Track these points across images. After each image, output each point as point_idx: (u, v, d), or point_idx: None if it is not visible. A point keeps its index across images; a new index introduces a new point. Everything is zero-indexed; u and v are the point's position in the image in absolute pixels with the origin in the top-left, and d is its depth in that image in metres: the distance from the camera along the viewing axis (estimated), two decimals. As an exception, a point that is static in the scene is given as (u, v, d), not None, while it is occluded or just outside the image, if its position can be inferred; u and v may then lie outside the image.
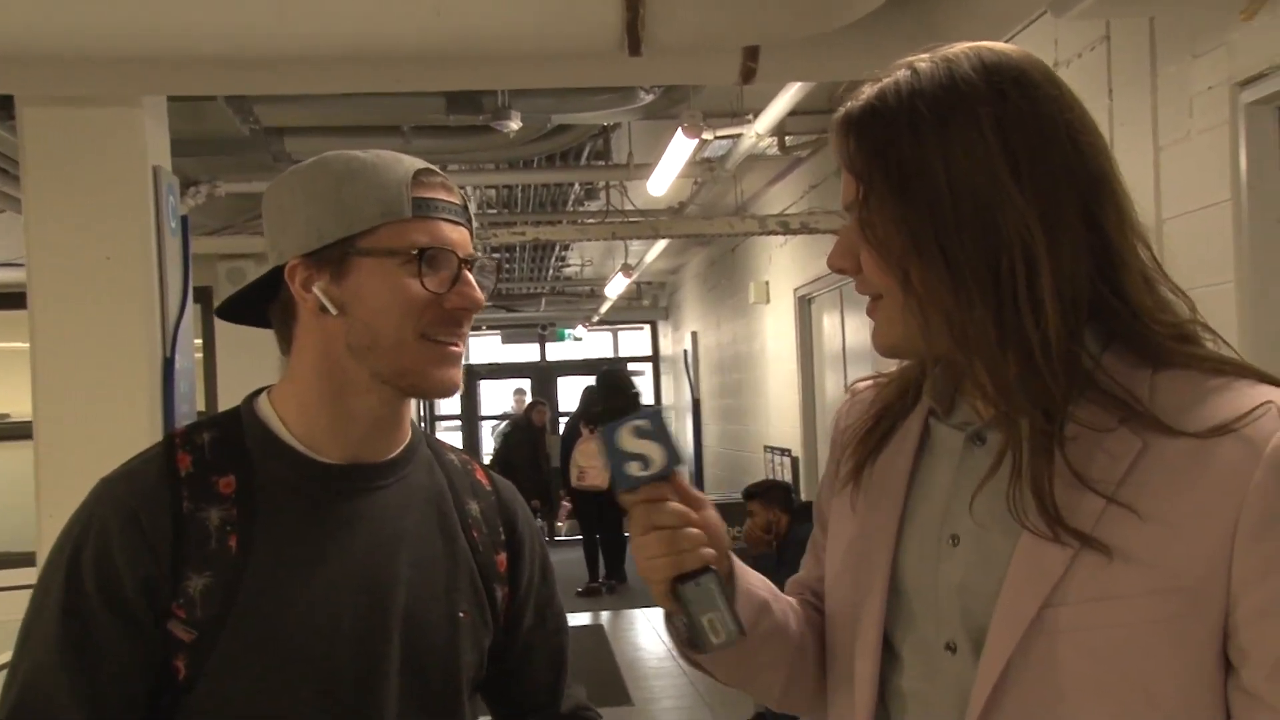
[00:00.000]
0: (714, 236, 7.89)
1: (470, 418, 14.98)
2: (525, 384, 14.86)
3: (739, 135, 5.63)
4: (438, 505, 1.42)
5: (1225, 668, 1.01)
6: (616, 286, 10.82)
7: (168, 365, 3.62)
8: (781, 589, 1.33)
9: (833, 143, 1.12)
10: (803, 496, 6.93)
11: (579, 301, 13.79)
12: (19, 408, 5.57)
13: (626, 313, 14.48)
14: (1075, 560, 1.01)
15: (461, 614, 1.38)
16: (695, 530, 1.12)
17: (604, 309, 12.94)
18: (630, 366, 15.59)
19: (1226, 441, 0.99)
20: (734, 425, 10.47)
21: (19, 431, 4.35)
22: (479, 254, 1.37)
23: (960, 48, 1.08)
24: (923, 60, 1.08)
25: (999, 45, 1.09)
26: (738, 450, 10.27)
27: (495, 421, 14.54)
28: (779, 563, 5.29)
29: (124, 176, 3.59)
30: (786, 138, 6.23)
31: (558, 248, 9.96)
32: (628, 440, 1.12)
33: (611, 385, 1.18)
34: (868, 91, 1.09)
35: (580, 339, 15.14)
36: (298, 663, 1.28)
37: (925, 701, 1.10)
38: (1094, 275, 1.05)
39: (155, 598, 1.26)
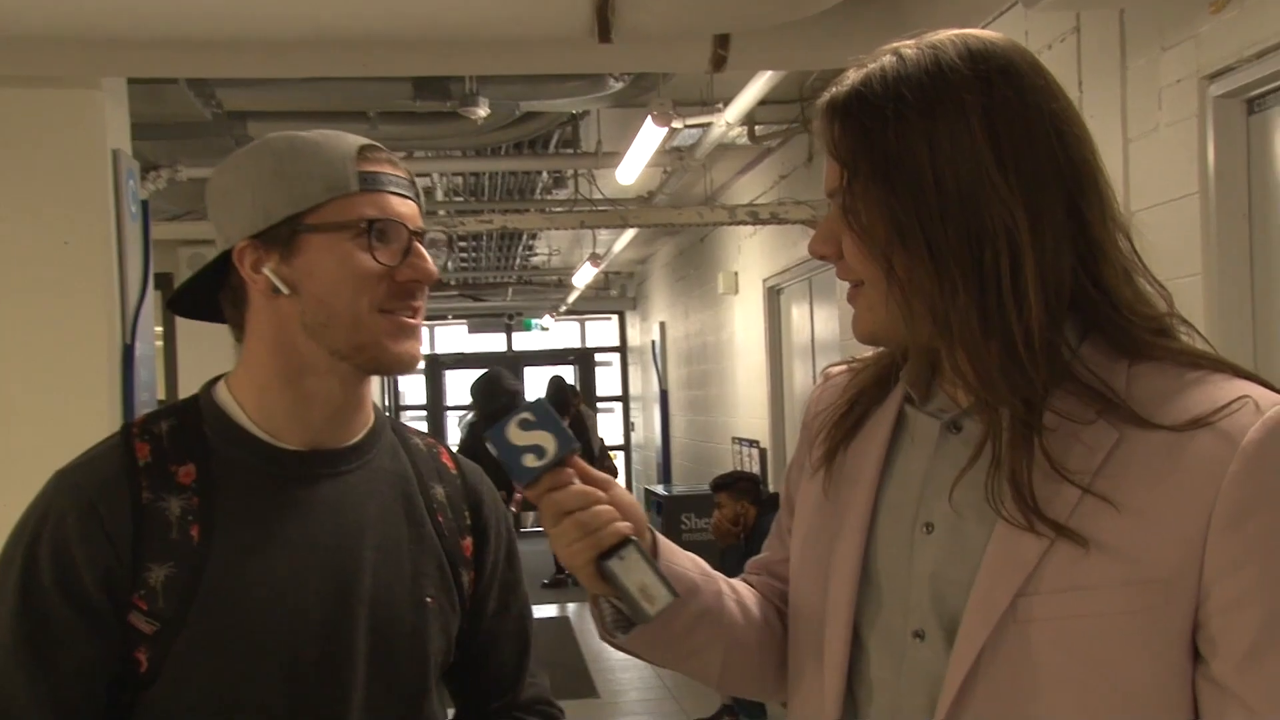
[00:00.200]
0: (683, 226, 7.89)
1: (436, 408, 14.92)
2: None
3: (709, 124, 5.63)
4: (403, 490, 1.41)
5: (1195, 658, 1.02)
6: (584, 276, 10.80)
7: (128, 352, 3.59)
8: None
9: (817, 128, 1.12)
10: (771, 488, 6.94)
11: (546, 291, 13.76)
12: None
13: (594, 303, 14.46)
14: (1050, 550, 1.02)
15: (429, 599, 1.37)
16: (605, 506, 1.13)
17: (571, 299, 12.91)
18: (602, 356, 15.59)
19: (1202, 434, 1.00)
20: (702, 416, 10.47)
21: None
22: (428, 228, 1.36)
23: (946, 35, 1.08)
24: (908, 46, 1.08)
25: (985, 33, 1.09)
26: (705, 442, 10.28)
27: (461, 412, 14.50)
28: (747, 554, 5.28)
29: (83, 160, 3.54)
30: (756, 127, 6.22)
31: (525, 237, 9.94)
32: (516, 435, 1.14)
33: (489, 388, 1.19)
34: (853, 77, 1.09)
35: (547, 329, 15.09)
36: (262, 652, 1.27)
37: (893, 689, 1.11)
38: (1075, 266, 1.05)
39: (115, 590, 1.24)
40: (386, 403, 14.76)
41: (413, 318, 1.34)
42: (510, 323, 14.99)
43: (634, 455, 14.97)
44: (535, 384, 13.32)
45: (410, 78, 4.73)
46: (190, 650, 1.25)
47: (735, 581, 1.30)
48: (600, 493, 1.14)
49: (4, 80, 3.49)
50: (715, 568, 1.32)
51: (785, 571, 1.29)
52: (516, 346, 15.49)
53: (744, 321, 8.51)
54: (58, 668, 1.24)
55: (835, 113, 1.09)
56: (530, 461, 1.13)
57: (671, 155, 6.50)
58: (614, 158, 6.33)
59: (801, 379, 7.22)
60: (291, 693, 1.28)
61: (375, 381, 1.45)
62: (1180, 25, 3.05)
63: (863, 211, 1.06)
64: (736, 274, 8.55)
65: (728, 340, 9.14)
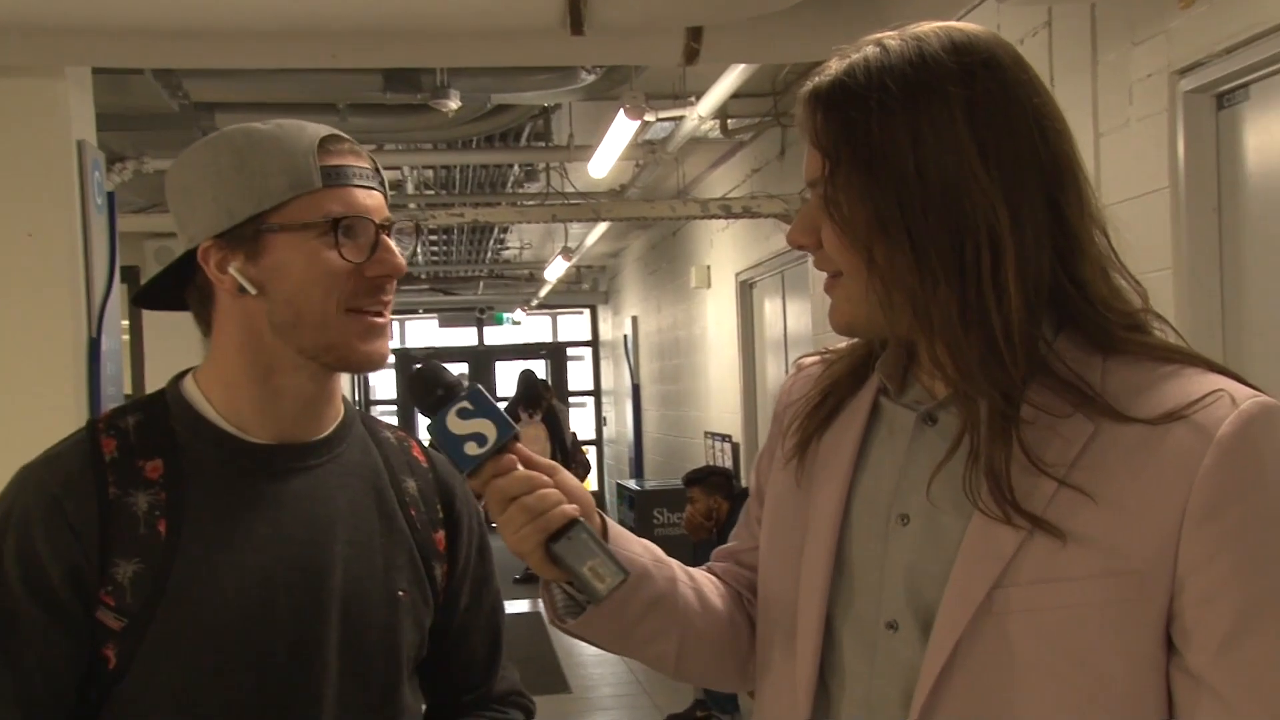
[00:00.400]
0: (655, 220, 7.88)
1: (407, 403, 14.87)
2: (464, 368, 14.78)
3: (681, 117, 5.63)
4: (373, 483, 1.40)
5: (1170, 649, 1.02)
6: (556, 270, 10.78)
7: (93, 346, 3.55)
8: None
9: (799, 117, 1.11)
10: (743, 483, 6.95)
11: (518, 285, 13.74)
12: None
13: (566, 297, 14.44)
14: (1026, 542, 1.02)
15: (401, 593, 1.37)
16: (550, 490, 1.13)
17: (543, 293, 12.89)
18: (574, 351, 15.58)
19: (1177, 427, 1.01)
20: (674, 411, 10.49)
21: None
22: (395, 218, 1.35)
23: (929, 27, 1.08)
24: (892, 38, 1.08)
25: (967, 26, 1.09)
26: (678, 436, 10.29)
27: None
28: (718, 548, 5.29)
29: (46, 151, 3.50)
30: (729, 121, 6.23)
31: (496, 230, 9.91)
32: (456, 424, 1.14)
33: (425, 381, 1.18)
34: (836, 66, 1.09)
35: (519, 323, 15.08)
36: (232, 647, 1.26)
37: (865, 679, 1.11)
38: (1053, 260, 1.05)
39: (82, 586, 1.24)
40: (357, 398, 14.70)
41: (381, 315, 1.33)
42: (481, 317, 14.95)
43: (606, 450, 14.98)
44: (507, 378, 13.32)
45: (380, 70, 4.71)
46: (159, 646, 1.24)
47: (694, 570, 1.30)
48: (545, 477, 1.14)
49: (-35, 70, 3.46)
50: (689, 563, 1.32)
51: (752, 560, 1.29)
52: (488, 341, 15.46)
53: (716, 316, 8.52)
54: (24, 664, 1.23)
55: (818, 102, 1.08)
56: (472, 449, 1.13)
57: (644, 149, 6.50)
58: (586, 151, 6.32)
59: (774, 373, 7.24)
60: (262, 687, 1.27)
61: (346, 376, 1.44)
62: (1151, 20, 3.07)
63: (844, 202, 1.06)
64: (709, 268, 8.55)
65: (700, 334, 9.15)
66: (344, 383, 1.38)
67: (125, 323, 5.17)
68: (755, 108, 6.08)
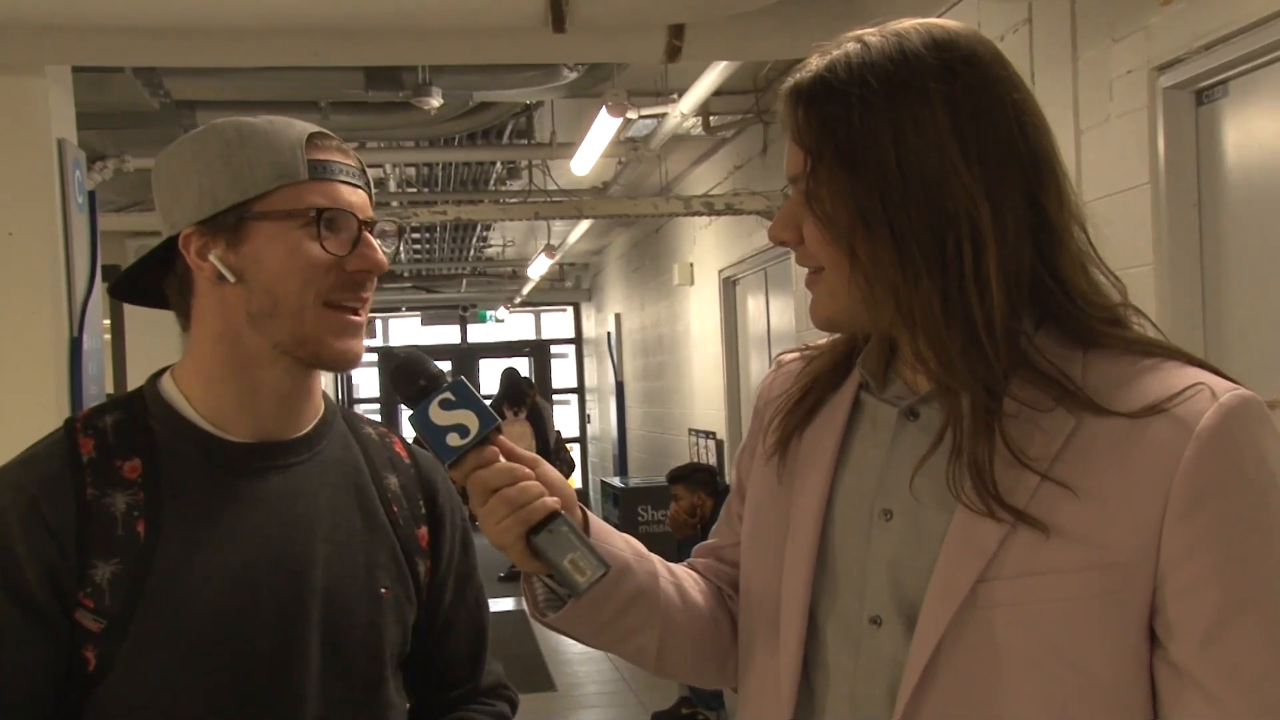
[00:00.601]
0: (638, 217, 7.88)
1: (391, 401, 14.84)
2: (448, 366, 14.73)
3: (663, 115, 5.63)
4: (355, 480, 1.40)
5: (1153, 642, 1.03)
6: (539, 268, 10.77)
7: (75, 346, 3.54)
8: None
9: (780, 113, 1.11)
10: (727, 479, 6.96)
11: (501, 283, 13.71)
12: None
13: (549, 294, 14.43)
14: (1010, 536, 1.02)
15: (383, 590, 1.37)
16: (532, 482, 1.13)
17: (526, 290, 12.87)
18: (558, 348, 15.56)
19: (1158, 421, 1.01)
20: (658, 408, 10.49)
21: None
22: (378, 218, 1.35)
23: (909, 23, 1.09)
24: (872, 34, 1.08)
25: (948, 23, 1.09)
26: (662, 433, 10.29)
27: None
28: (702, 544, 5.30)
29: (27, 149, 3.49)
30: (711, 118, 6.24)
31: (479, 228, 9.89)
32: (439, 415, 1.14)
33: (408, 371, 1.18)
34: (816, 62, 1.09)
35: (502, 321, 15.05)
36: (213, 647, 1.26)
37: (849, 675, 1.11)
38: (1033, 255, 1.06)
39: (60, 588, 1.23)
40: (340, 395, 14.66)
41: (357, 313, 1.32)
42: (464, 314, 14.93)
43: (590, 447, 14.97)
44: (490, 376, 13.30)
45: (362, 67, 4.71)
46: (139, 647, 1.23)
47: (675, 566, 1.30)
48: (527, 469, 1.14)
49: (-57, 68, 3.44)
50: (673, 560, 1.32)
51: (733, 556, 1.29)
52: (471, 338, 15.44)
53: (700, 313, 8.52)
54: (3, 664, 1.22)
55: (799, 98, 1.08)
56: (454, 441, 1.13)
57: (626, 146, 6.50)
58: (568, 148, 6.31)
59: (758, 370, 7.24)
60: (243, 687, 1.27)
61: (328, 373, 1.44)
62: (1130, 17, 3.08)
63: (826, 197, 1.06)
64: (692, 265, 8.55)
65: (683, 331, 9.15)
66: (327, 381, 1.38)
67: (107, 322, 5.15)
68: (737, 105, 6.09)
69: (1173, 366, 1.05)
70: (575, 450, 14.16)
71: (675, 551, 5.45)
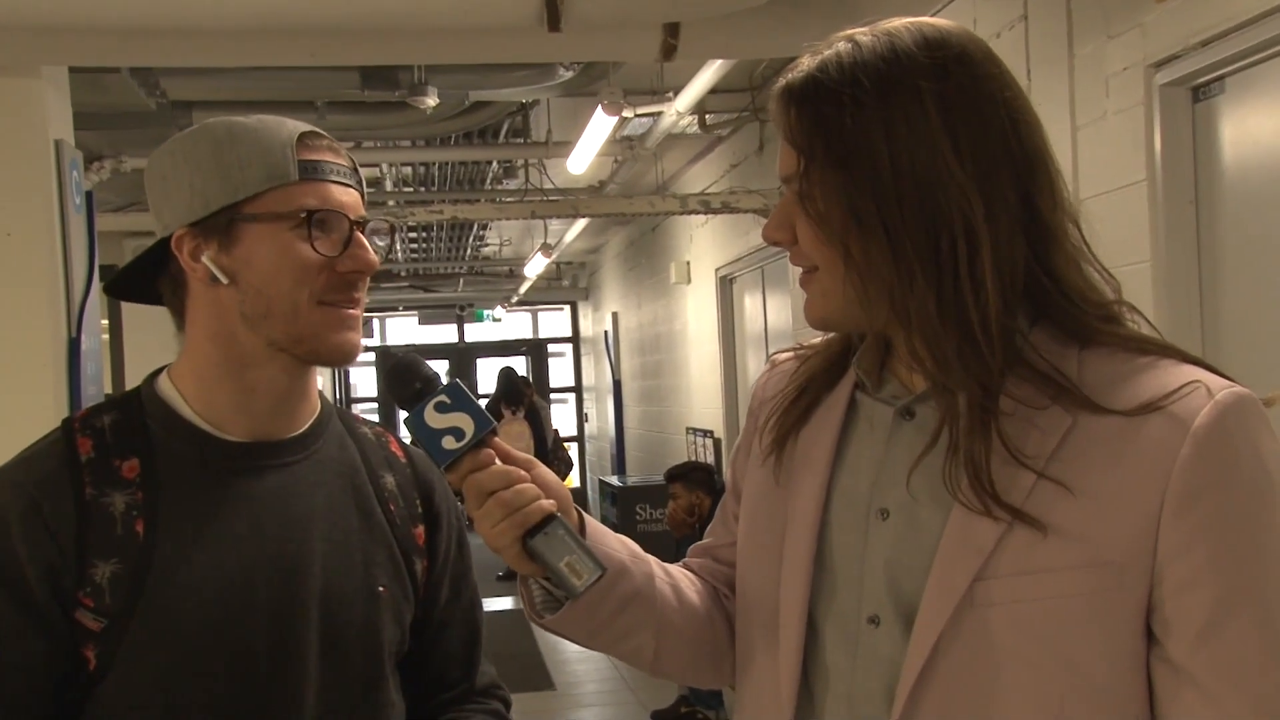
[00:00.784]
0: (634, 216, 7.90)
1: (389, 401, 14.80)
2: (445, 365, 14.75)
3: (659, 113, 5.62)
4: (351, 480, 1.40)
5: (1149, 640, 1.03)
6: (536, 266, 10.76)
7: (73, 346, 3.55)
8: None
9: (772, 114, 1.12)
10: (725, 478, 6.95)
11: (498, 282, 13.71)
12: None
13: (546, 293, 14.42)
14: (1006, 534, 1.02)
15: (381, 589, 1.37)
16: (528, 485, 1.13)
17: (523, 289, 12.87)
18: (555, 347, 15.56)
19: (1154, 419, 1.01)
20: (655, 407, 10.49)
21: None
22: (370, 216, 1.35)
23: (900, 22, 1.09)
24: (864, 34, 1.08)
25: (939, 21, 1.10)
26: (659, 432, 10.29)
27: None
28: (701, 543, 5.30)
29: (24, 150, 3.50)
30: (707, 116, 6.24)
31: (476, 227, 9.89)
32: (434, 418, 1.14)
33: (402, 374, 1.18)
34: (808, 63, 1.09)
35: (499, 320, 15.04)
36: (212, 646, 1.26)
37: (848, 674, 1.11)
38: (1027, 253, 1.06)
39: (59, 587, 1.23)
40: (338, 395, 14.65)
41: (353, 308, 1.33)
42: (462, 314, 14.92)
43: (588, 446, 14.97)
44: (488, 375, 13.30)
45: (358, 67, 4.70)
46: (138, 647, 1.24)
47: (671, 566, 1.30)
48: (522, 472, 1.14)
49: (-60, 70, 3.44)
50: (671, 558, 1.33)
51: (729, 556, 1.29)
52: (468, 338, 15.43)
53: (696, 311, 8.52)
54: (3, 664, 1.23)
55: (791, 98, 1.09)
56: (449, 444, 1.13)
57: (622, 144, 6.50)
58: (564, 147, 6.31)
59: (755, 368, 7.24)
60: (242, 685, 1.27)
61: (326, 373, 1.45)
62: (1126, 13, 3.08)
63: (819, 197, 1.07)
64: (689, 263, 8.55)
65: (680, 330, 9.15)
66: (325, 380, 1.38)
67: (105, 322, 5.15)
68: (733, 103, 6.08)
69: (1168, 364, 1.05)
70: (573, 449, 14.17)
71: (673, 550, 5.45)
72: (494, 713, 1.51)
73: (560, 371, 15.57)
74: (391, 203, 7.92)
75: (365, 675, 1.36)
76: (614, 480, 10.13)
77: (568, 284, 14.52)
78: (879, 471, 1.12)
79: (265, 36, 3.11)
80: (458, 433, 1.14)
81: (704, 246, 8.08)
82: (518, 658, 6.96)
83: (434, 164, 7.47)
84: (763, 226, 1.15)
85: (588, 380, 15.01)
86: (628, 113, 5.29)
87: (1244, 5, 2.68)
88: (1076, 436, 1.03)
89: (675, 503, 5.84)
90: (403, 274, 12.65)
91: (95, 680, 1.24)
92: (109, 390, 4.36)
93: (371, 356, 14.70)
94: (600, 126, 5.45)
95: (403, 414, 1.17)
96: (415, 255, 11.39)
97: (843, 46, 1.08)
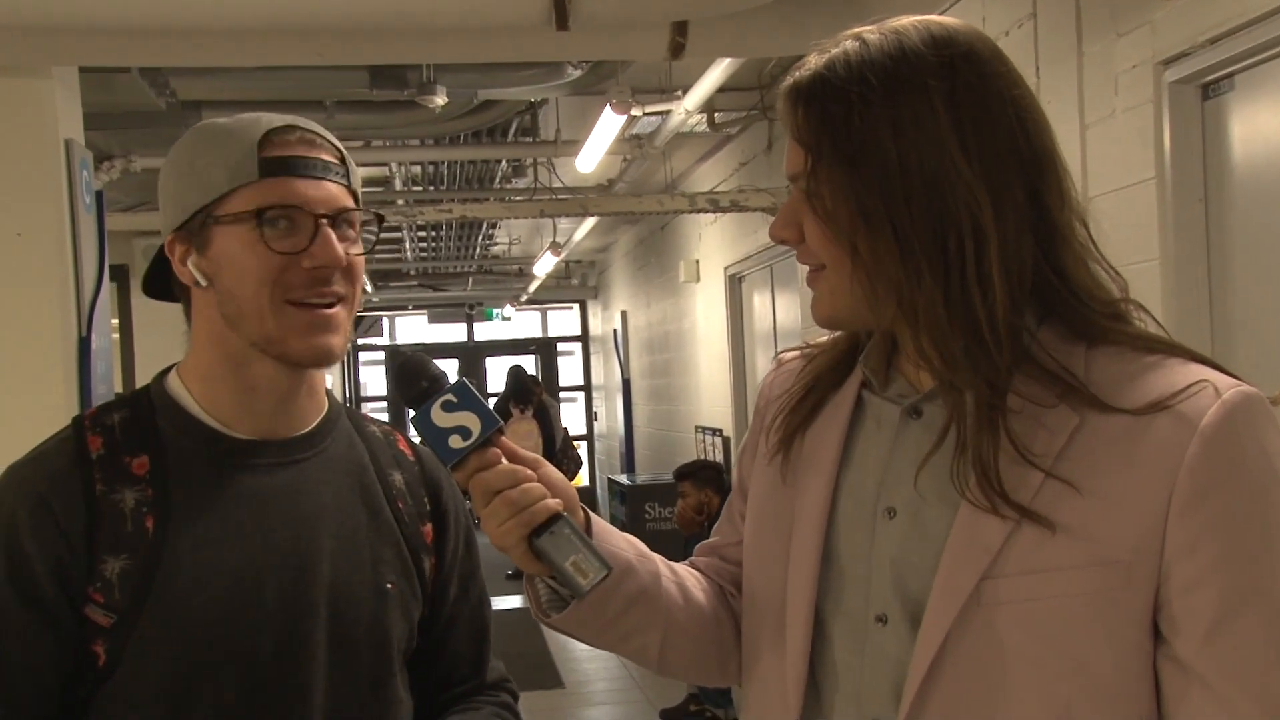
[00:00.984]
0: (643, 214, 7.88)
1: (398, 398, 14.84)
2: (454, 364, 14.77)
3: (668, 112, 5.63)
4: (359, 478, 1.41)
5: (1156, 639, 1.03)
6: (545, 265, 10.77)
7: (84, 345, 3.56)
8: None
9: (780, 112, 1.12)
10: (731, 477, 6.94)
11: (507, 280, 13.72)
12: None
13: (555, 292, 14.42)
14: (1014, 533, 1.03)
15: (389, 586, 1.38)
16: (534, 484, 1.14)
17: (532, 288, 12.87)
18: (564, 346, 15.57)
19: (1161, 418, 1.01)
20: (665, 405, 10.49)
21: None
22: (354, 207, 1.33)
23: (908, 21, 1.09)
24: (871, 32, 1.08)
25: (946, 20, 1.10)
26: (669, 430, 10.29)
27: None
28: (709, 541, 5.30)
29: (34, 150, 3.50)
30: (716, 115, 6.23)
31: (485, 226, 9.90)
32: (441, 418, 1.14)
33: (408, 372, 1.18)
34: (815, 61, 1.09)
35: (509, 318, 15.06)
36: (221, 642, 1.27)
37: (855, 672, 1.11)
38: (1035, 251, 1.06)
39: (69, 583, 1.24)
40: (347, 393, 14.68)
41: (330, 307, 1.31)
42: (471, 312, 14.94)
43: (597, 445, 14.98)
44: (497, 374, 13.31)
45: (367, 66, 4.71)
46: (147, 642, 1.24)
47: (677, 565, 1.30)
48: (529, 471, 1.15)
49: (-49, 70, 3.45)
50: (680, 557, 1.33)
51: (735, 555, 1.30)
52: (478, 336, 15.45)
53: (706, 309, 8.52)
54: (8, 661, 1.24)
55: (799, 96, 1.09)
56: (456, 443, 1.14)
57: (631, 143, 6.49)
58: (573, 146, 6.31)
59: (764, 367, 7.24)
60: (251, 681, 1.28)
61: (336, 372, 1.45)
62: (1135, 11, 3.07)
63: (827, 195, 1.07)
64: (698, 262, 8.55)
65: (690, 328, 9.15)
66: (335, 379, 1.39)
67: (115, 321, 5.16)
68: (742, 102, 6.08)
69: (1176, 363, 1.05)
70: (582, 448, 14.17)
71: (682, 548, 5.45)
72: (503, 704, 1.51)
73: (569, 370, 15.58)
74: (401, 202, 7.93)
75: (373, 672, 1.36)
76: (623, 479, 10.13)
77: (577, 283, 14.52)
78: (886, 470, 1.12)
79: (274, 36, 3.12)
80: (464, 432, 1.14)
81: (713, 245, 8.08)
82: (527, 656, 6.97)
83: (443, 163, 7.47)
84: (770, 225, 1.15)
85: (597, 379, 15.02)
86: (636, 111, 5.30)
87: (1253, 2, 2.67)
88: (1084, 435, 1.03)
89: (684, 501, 5.85)
90: (412, 273, 12.66)
91: (104, 676, 1.25)
92: (119, 389, 4.37)
93: (381, 355, 14.72)
94: (609, 125, 5.45)
95: (410, 413, 1.17)
96: (424, 254, 11.40)
97: (850, 45, 1.08)
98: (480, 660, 1.52)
